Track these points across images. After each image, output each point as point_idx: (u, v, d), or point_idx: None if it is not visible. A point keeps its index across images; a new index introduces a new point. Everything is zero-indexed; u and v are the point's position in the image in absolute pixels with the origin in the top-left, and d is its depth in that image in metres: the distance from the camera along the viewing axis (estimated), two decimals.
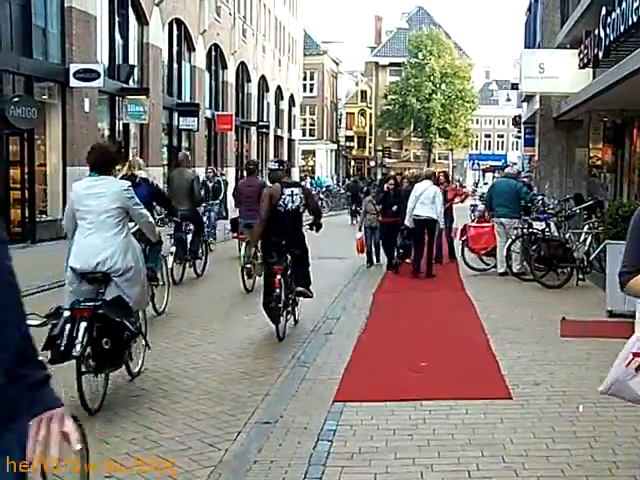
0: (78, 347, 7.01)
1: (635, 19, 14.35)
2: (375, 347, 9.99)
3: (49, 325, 7.16)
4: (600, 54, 17.64)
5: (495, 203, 16.71)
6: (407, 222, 16.47)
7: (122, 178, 10.40)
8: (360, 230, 18.71)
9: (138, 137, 31.05)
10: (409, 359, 9.26)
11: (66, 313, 7.20)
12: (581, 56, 20.76)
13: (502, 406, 7.33)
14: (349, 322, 11.69)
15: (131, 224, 8.23)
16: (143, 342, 8.39)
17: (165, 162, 34.31)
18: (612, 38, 16.31)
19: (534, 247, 15.30)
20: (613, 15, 16.08)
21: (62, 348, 6.96)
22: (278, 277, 10.41)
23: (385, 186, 18.39)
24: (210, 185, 21.88)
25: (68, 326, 7.07)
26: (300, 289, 11.29)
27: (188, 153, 22.47)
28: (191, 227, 16.03)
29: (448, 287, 15.43)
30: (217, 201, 22.12)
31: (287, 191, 11.07)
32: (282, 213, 10.98)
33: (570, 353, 9.42)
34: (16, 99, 20.71)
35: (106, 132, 28.26)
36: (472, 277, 16.61)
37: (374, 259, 18.74)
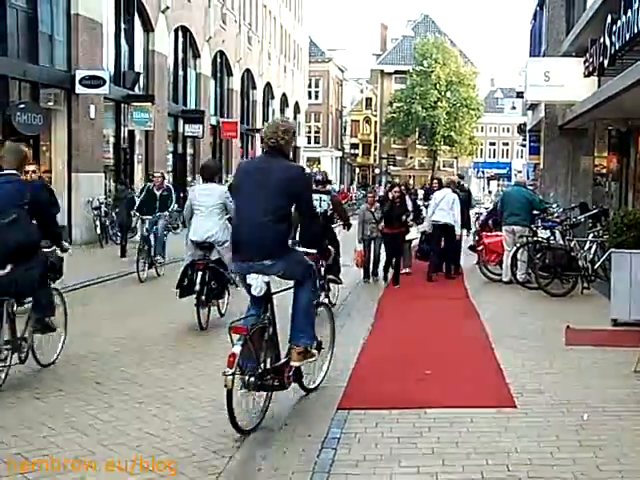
0: (197, 286, 11.68)
1: None
2: (379, 355, 9.99)
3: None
4: (605, 62, 17.63)
5: (507, 211, 16.69)
6: (426, 227, 18.13)
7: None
8: (360, 242, 16.92)
9: (143, 144, 31.10)
10: (413, 367, 9.26)
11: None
12: (586, 64, 20.76)
13: (506, 414, 7.32)
14: (353, 329, 11.69)
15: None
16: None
17: (170, 169, 34.35)
18: (617, 46, 16.30)
19: (539, 255, 15.28)
20: (619, 23, 16.08)
21: (187, 286, 11.89)
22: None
23: (390, 195, 17.27)
24: (158, 193, 17.90)
25: (189, 273, 11.91)
26: (331, 277, 13.10)
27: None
28: None
29: (452, 295, 15.42)
30: (166, 212, 17.95)
31: (316, 196, 12.67)
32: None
33: (575, 362, 9.40)
34: (22, 105, 20.76)
35: (111, 139, 28.31)
36: (477, 285, 16.61)
37: (371, 274, 17.25)
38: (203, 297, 11.67)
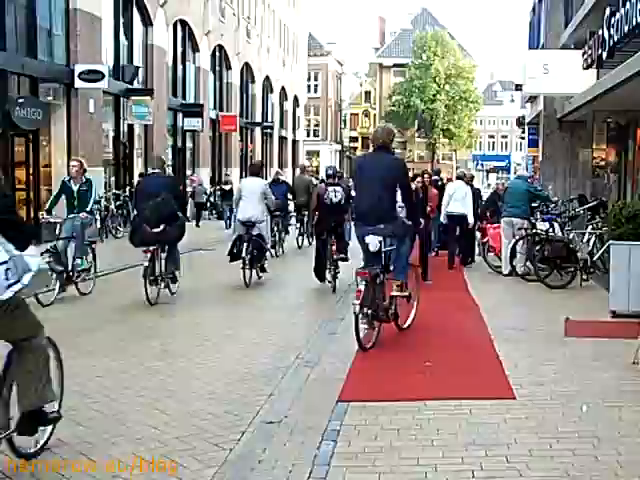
0: (243, 253, 15.25)
1: (639, 20, 14.37)
2: (379, 347, 10.00)
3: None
4: (604, 55, 17.64)
5: (507, 203, 16.73)
6: (441, 218, 18.68)
7: (273, 180, 22.13)
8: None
9: (142, 138, 31.11)
10: (413, 359, 9.29)
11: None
12: (585, 57, 20.77)
13: (506, 406, 7.34)
14: (353, 322, 11.69)
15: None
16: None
17: (170, 162, 34.34)
18: (616, 39, 16.31)
19: (538, 248, 15.30)
20: (617, 15, 16.09)
21: (236, 253, 15.42)
22: (333, 248, 15.20)
23: (412, 186, 14.13)
24: (75, 188, 14.23)
25: (238, 244, 15.45)
26: (340, 256, 15.36)
27: (308, 163, 25.12)
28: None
29: (452, 288, 15.43)
30: (83, 214, 14.21)
31: (330, 189, 15.36)
32: (327, 205, 15.17)
33: (574, 353, 9.43)
34: (21, 100, 20.75)
35: (111, 133, 28.33)
36: (476, 278, 16.62)
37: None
38: (247, 264, 15.29)
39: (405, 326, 10.85)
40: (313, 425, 6.87)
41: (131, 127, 29.86)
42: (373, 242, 9.94)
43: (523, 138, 44.82)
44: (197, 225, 30.64)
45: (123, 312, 12.87)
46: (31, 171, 22.38)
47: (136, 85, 29.76)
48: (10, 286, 5.63)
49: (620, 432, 6.59)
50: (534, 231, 15.95)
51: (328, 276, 15.32)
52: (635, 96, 16.40)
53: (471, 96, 75.69)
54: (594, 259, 15.19)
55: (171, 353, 9.91)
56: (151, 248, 13.28)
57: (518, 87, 39.63)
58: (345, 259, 15.53)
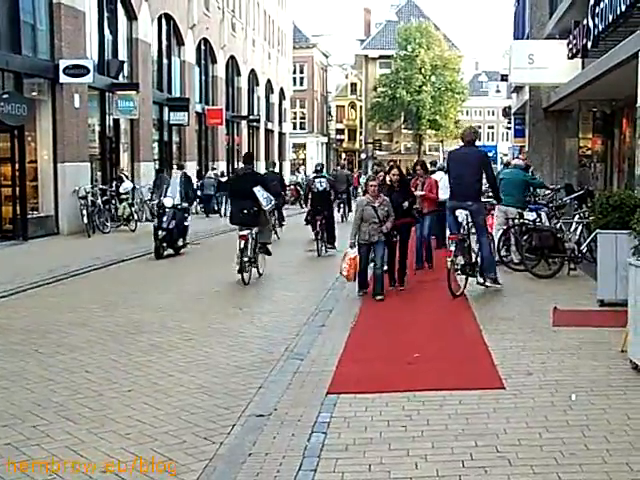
0: (249, 252, 15.64)
1: (623, 8, 14.39)
2: (368, 339, 10.02)
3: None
4: (589, 44, 17.68)
5: (503, 191, 16.68)
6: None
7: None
8: (353, 246, 13.11)
9: (128, 132, 31.00)
10: (402, 350, 9.29)
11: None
12: (570, 46, 20.81)
13: (495, 396, 7.35)
14: (342, 314, 11.72)
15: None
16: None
17: (156, 157, 34.29)
18: (601, 28, 16.33)
19: (525, 237, 15.31)
20: (601, 5, 16.11)
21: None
22: (318, 223, 20.00)
23: (387, 178, 14.41)
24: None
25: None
26: (328, 246, 20.30)
27: (344, 163, 26.74)
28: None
29: (440, 279, 15.43)
30: None
31: (317, 180, 20.91)
32: (315, 193, 20.63)
33: (562, 342, 9.45)
34: (5, 96, 20.63)
35: (97, 128, 28.24)
36: None
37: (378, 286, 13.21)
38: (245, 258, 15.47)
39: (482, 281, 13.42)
40: (303, 417, 6.87)
41: (117, 122, 29.73)
42: (462, 215, 13.14)
43: (509, 128, 44.86)
44: (207, 216, 33.62)
45: (108, 307, 12.85)
46: (17, 167, 22.28)
47: (121, 80, 29.61)
48: (268, 204, 15.57)
49: (609, 420, 6.61)
50: (521, 221, 15.95)
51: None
52: (620, 85, 16.43)
53: (457, 87, 75.87)
54: (581, 248, 15.22)
55: (159, 347, 9.90)
56: (245, 233, 15.22)
57: (504, 77, 39.78)
58: (333, 247, 20.25)
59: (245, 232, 15.15)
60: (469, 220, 13.15)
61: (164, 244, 19.28)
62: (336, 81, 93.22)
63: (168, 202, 19.70)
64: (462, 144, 13.75)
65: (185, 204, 20.79)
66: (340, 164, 46.12)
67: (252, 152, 29.69)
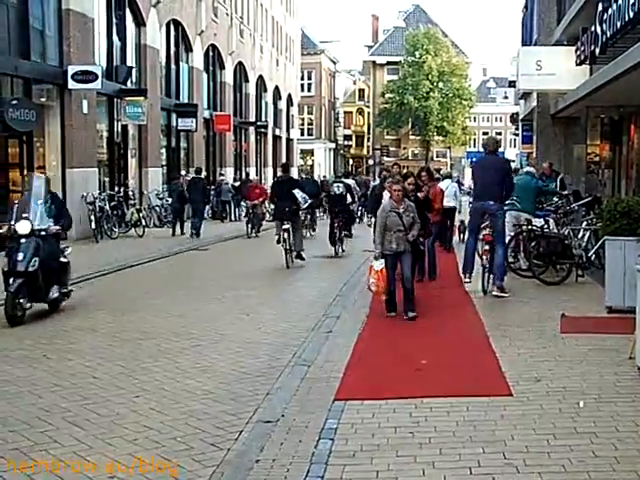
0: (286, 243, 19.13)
1: (632, 15, 14.36)
2: (375, 345, 10.01)
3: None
4: (597, 51, 17.64)
5: (517, 198, 16.63)
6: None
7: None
8: (378, 257, 11.73)
9: (137, 138, 31.06)
10: (409, 357, 9.28)
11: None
12: (578, 53, 20.78)
13: (503, 403, 7.34)
14: (349, 320, 11.71)
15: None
16: None
17: (164, 163, 34.34)
18: (609, 34, 16.31)
19: (533, 244, 15.29)
20: (609, 11, 16.09)
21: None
22: (336, 224, 21.43)
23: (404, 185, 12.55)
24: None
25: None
26: (345, 233, 22.21)
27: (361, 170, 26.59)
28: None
29: (447, 285, 15.42)
30: None
31: (334, 185, 23.24)
32: (332, 196, 22.76)
33: (570, 349, 9.43)
34: (14, 102, 20.68)
35: (105, 134, 28.29)
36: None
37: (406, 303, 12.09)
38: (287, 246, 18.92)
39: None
40: (310, 424, 6.87)
41: (125, 127, 29.80)
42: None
43: (517, 135, 44.85)
44: (222, 221, 34.34)
45: (116, 313, 12.86)
46: (25, 172, 22.29)
47: (129, 85, 29.69)
48: (305, 202, 19.57)
49: (617, 428, 6.60)
50: (529, 227, 15.92)
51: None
52: (628, 92, 16.42)
53: (464, 93, 75.81)
54: (589, 255, 15.18)
55: (166, 353, 9.90)
56: (287, 226, 18.70)
57: (511, 84, 39.75)
58: (349, 235, 22.95)
59: (287, 226, 18.72)
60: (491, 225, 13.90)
61: (21, 299, 11.77)
62: (344, 87, 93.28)
63: (23, 227, 12.11)
64: (485, 152, 14.79)
65: (55, 226, 12.60)
66: (358, 172, 51.51)
67: (288, 162, 37.08)
